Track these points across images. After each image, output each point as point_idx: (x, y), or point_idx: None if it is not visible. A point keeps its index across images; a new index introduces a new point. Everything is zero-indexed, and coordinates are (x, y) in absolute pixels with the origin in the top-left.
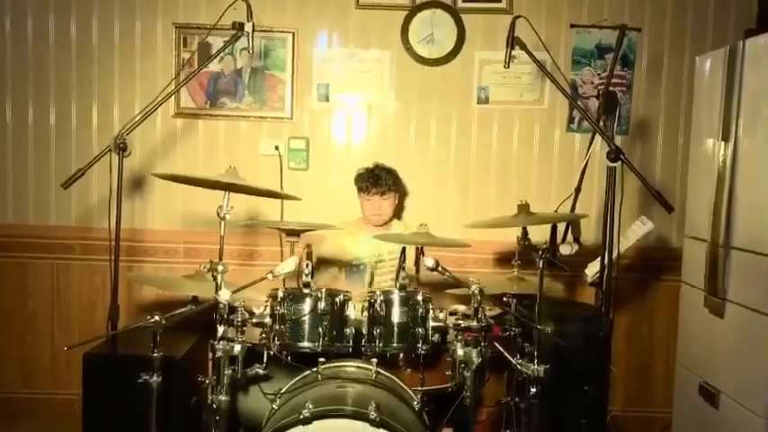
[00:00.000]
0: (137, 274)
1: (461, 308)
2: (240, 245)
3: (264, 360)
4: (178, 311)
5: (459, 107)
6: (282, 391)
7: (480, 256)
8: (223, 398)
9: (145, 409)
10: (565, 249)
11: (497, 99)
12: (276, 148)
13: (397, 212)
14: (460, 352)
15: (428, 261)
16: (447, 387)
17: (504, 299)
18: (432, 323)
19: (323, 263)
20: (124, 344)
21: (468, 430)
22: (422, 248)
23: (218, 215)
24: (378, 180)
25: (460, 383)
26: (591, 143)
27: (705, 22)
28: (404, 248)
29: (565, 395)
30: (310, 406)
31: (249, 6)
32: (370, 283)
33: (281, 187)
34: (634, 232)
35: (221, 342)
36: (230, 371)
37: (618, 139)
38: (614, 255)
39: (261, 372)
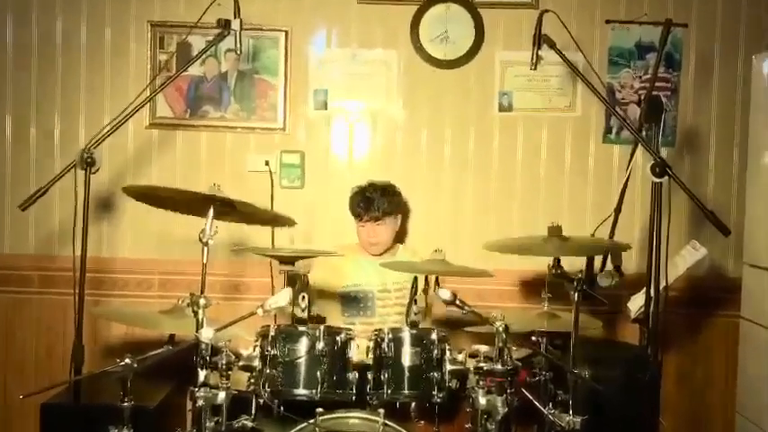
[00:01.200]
0: (104, 309)
1: (483, 348)
2: (224, 276)
3: (253, 410)
4: (152, 353)
5: (477, 115)
6: None
7: (504, 287)
8: None
9: None
10: (604, 280)
11: (522, 106)
12: (266, 163)
13: (401, 236)
14: (483, 400)
15: (444, 293)
16: None
17: (533, 338)
18: (449, 366)
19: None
20: (89, 392)
21: None
22: (437, 279)
23: (201, 240)
24: (370, 204)
25: None
26: (632, 156)
27: (762, 17)
28: (415, 278)
29: None
30: None
31: (236, 1)
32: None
33: (272, 209)
34: (684, 259)
35: (202, 389)
36: (213, 423)
37: (663, 152)
38: (661, 286)
39: (249, 424)
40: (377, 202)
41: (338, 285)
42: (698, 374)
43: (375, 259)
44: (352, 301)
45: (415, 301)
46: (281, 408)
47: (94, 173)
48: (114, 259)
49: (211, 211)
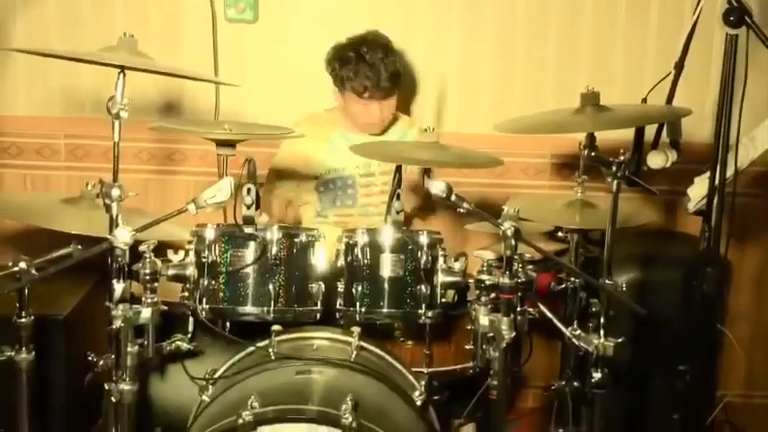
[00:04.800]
0: None
1: (487, 255)
2: (154, 141)
3: (190, 328)
4: (56, 254)
5: None
6: (217, 374)
7: (528, 159)
8: (126, 387)
9: (11, 400)
10: (655, 160)
11: None
12: None
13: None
14: (484, 321)
15: (436, 186)
16: (466, 368)
17: (560, 233)
18: (442, 278)
19: (278, 178)
20: None
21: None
22: (427, 169)
23: (109, 111)
24: (378, 75)
25: (485, 365)
26: None
27: None
28: (399, 167)
29: (650, 379)
30: (255, 404)
31: None
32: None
33: (215, 53)
34: (765, 133)
35: (120, 306)
36: (137, 347)
37: None
38: (731, 170)
39: (184, 345)
40: (387, 75)
41: (307, 173)
42: None
43: (354, 132)
44: (326, 190)
45: (398, 195)
46: (227, 327)
47: None
48: (3, 118)
49: (122, 80)
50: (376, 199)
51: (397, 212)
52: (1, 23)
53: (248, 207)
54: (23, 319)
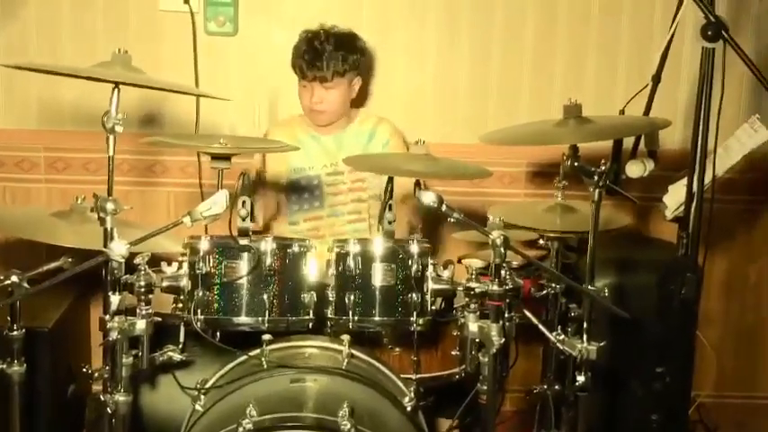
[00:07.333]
0: None
1: (476, 263)
2: (134, 153)
3: (181, 339)
4: (46, 268)
5: None
6: (209, 383)
7: (503, 168)
8: (122, 398)
9: (2, 413)
10: (633, 169)
11: None
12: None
13: (360, 99)
14: (473, 327)
15: (427, 196)
16: (453, 374)
17: (541, 241)
18: (432, 285)
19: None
20: None
21: None
22: (418, 180)
23: (104, 126)
24: (317, 58)
25: (474, 370)
26: (679, 7)
27: None
28: (390, 179)
29: (627, 382)
30: (253, 413)
31: None
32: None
33: (195, 66)
34: (740, 142)
35: (116, 318)
36: (131, 358)
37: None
38: (708, 178)
39: (177, 356)
40: (327, 56)
41: (281, 176)
42: (750, 280)
43: (321, 132)
44: (293, 192)
45: (390, 206)
46: (217, 338)
47: None
48: None
49: (116, 96)
50: (344, 197)
51: (389, 222)
52: None
53: (243, 219)
54: (15, 332)
